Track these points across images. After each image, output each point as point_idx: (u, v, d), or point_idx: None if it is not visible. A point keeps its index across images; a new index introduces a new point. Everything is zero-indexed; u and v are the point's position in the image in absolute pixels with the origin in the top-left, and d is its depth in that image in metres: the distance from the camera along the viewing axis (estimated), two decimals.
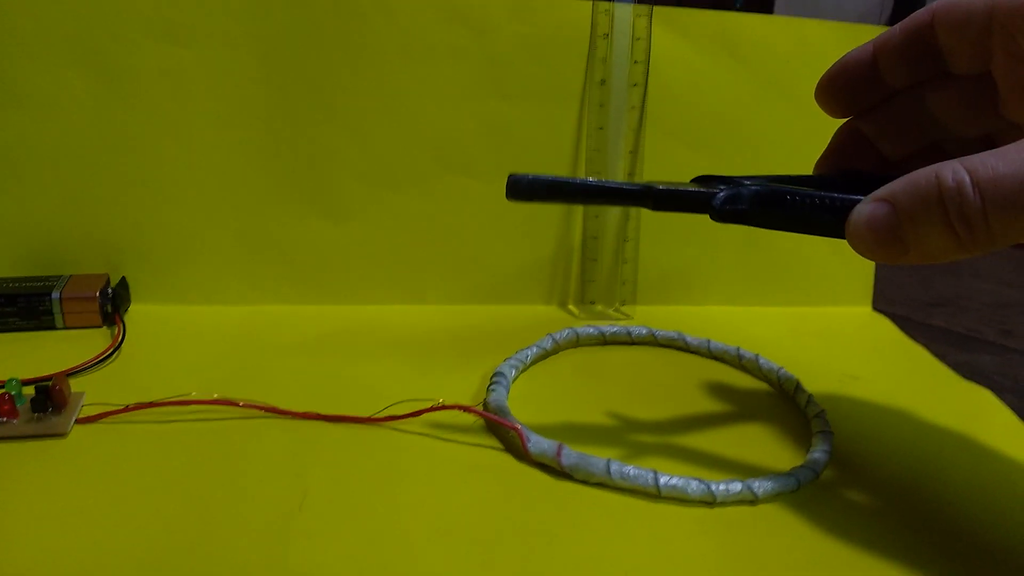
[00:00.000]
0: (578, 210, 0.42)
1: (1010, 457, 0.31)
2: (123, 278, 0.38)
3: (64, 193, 0.37)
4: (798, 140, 0.43)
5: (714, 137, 0.42)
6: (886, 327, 0.44)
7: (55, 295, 0.35)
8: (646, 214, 0.42)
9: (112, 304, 0.36)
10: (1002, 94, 0.25)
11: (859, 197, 0.22)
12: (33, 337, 0.35)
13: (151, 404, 0.29)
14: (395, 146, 0.40)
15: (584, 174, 0.41)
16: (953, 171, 0.19)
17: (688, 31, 0.41)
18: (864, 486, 0.28)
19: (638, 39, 0.40)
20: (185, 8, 0.37)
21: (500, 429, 0.30)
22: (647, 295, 0.44)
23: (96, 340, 0.35)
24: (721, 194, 0.23)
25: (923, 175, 0.20)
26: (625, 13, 0.40)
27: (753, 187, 0.24)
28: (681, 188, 0.24)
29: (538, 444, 0.28)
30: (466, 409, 0.30)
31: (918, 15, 0.26)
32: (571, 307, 0.43)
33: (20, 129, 0.37)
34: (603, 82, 0.40)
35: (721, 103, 0.42)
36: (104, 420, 0.29)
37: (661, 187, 0.24)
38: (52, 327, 0.36)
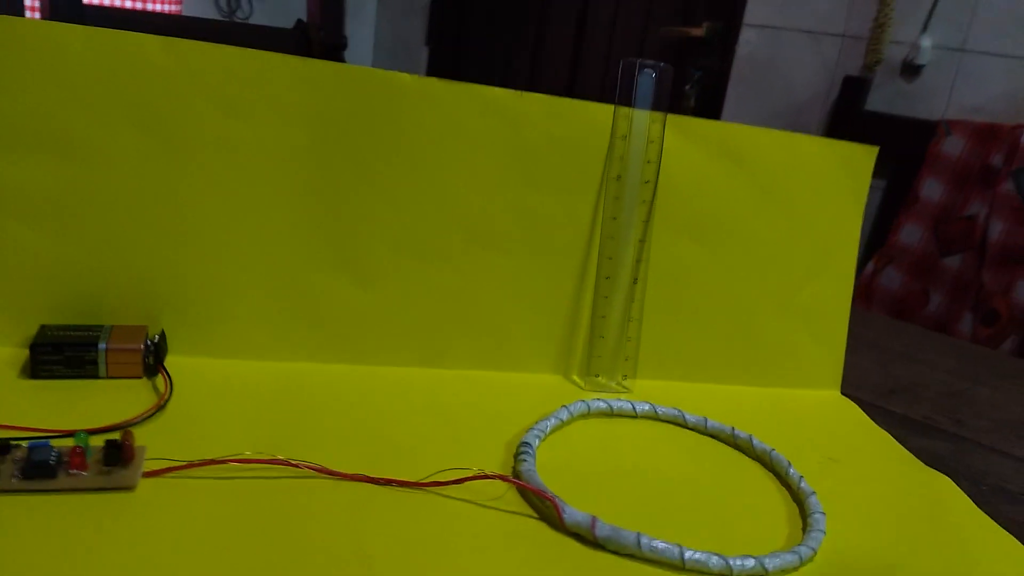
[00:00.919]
0: (589, 291, 0.45)
1: (969, 540, 0.35)
2: (162, 331, 0.39)
3: (108, 245, 0.39)
4: (786, 241, 0.48)
5: (714, 232, 0.47)
6: (854, 412, 0.49)
7: (102, 346, 0.37)
8: (649, 298, 0.46)
9: (154, 356, 0.38)
10: None
11: None
12: (77, 386, 0.37)
13: (212, 461, 0.31)
14: (426, 220, 0.43)
15: (598, 258, 0.45)
16: None
17: (696, 137, 0.46)
18: (854, 563, 0.32)
19: (651, 142, 0.44)
20: (244, 84, 0.39)
21: (534, 498, 0.33)
22: (643, 370, 0.47)
23: (138, 391, 0.37)
24: None
25: None
26: (642, 118, 0.44)
27: None
28: None
29: (573, 516, 0.31)
30: (506, 479, 0.33)
31: None
32: (575, 378, 0.46)
33: (73, 180, 0.38)
34: (619, 177, 0.44)
35: (720, 202, 0.47)
36: (168, 475, 0.31)
37: None
38: (95, 376, 0.37)
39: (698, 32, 2.10)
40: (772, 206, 0.48)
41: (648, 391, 0.46)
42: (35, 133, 0.37)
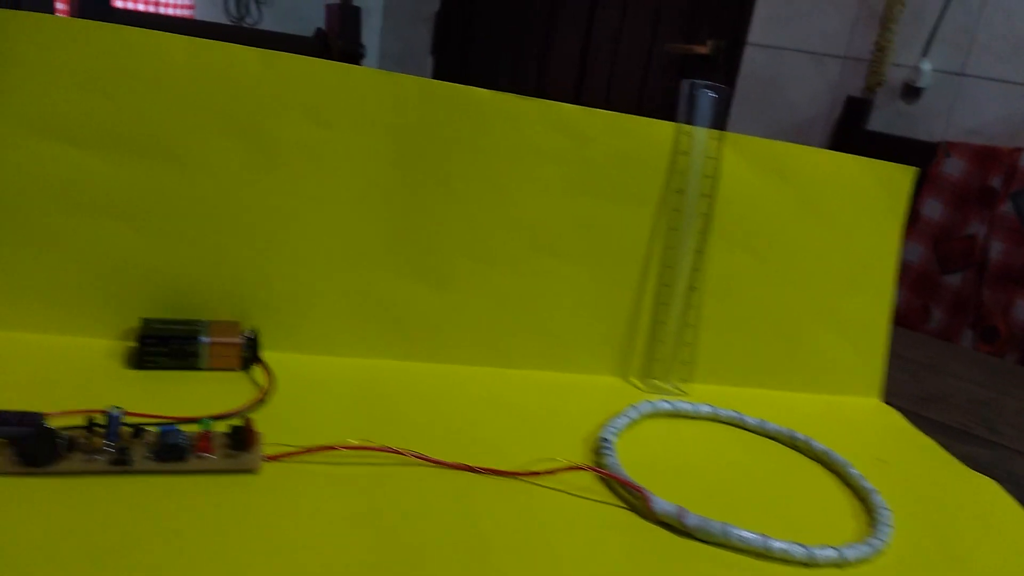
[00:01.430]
0: (648, 297, 0.48)
1: (1021, 541, 0.38)
2: (255, 328, 0.41)
3: (204, 245, 0.41)
4: (829, 254, 0.51)
5: (763, 244, 0.49)
6: (896, 418, 0.51)
7: (204, 339, 0.39)
8: (707, 305, 0.48)
9: (251, 350, 0.40)
10: None
11: None
12: (180, 376, 0.38)
13: (325, 447, 0.33)
14: (496, 228, 0.45)
15: (656, 268, 0.47)
16: None
17: (748, 154, 0.48)
18: (923, 557, 0.34)
19: (710, 158, 0.47)
20: (333, 96, 0.41)
21: (622, 489, 0.35)
22: (695, 374, 0.49)
23: (237, 382, 0.39)
24: None
25: None
26: (702, 135, 0.47)
27: None
28: None
29: (662, 505, 0.33)
30: (598, 471, 0.35)
31: None
32: (633, 379, 0.48)
33: (172, 183, 0.40)
34: (680, 191, 0.47)
35: (769, 216, 0.49)
36: (285, 459, 0.32)
37: None
38: (196, 368, 0.39)
39: (703, 49, 2.14)
40: (816, 221, 0.50)
41: (701, 394, 0.48)
42: (139, 138, 0.39)
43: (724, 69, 2.14)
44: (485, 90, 0.44)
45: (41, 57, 0.38)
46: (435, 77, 2.80)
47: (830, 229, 0.51)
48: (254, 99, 0.41)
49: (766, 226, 0.49)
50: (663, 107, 2.30)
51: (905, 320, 1.82)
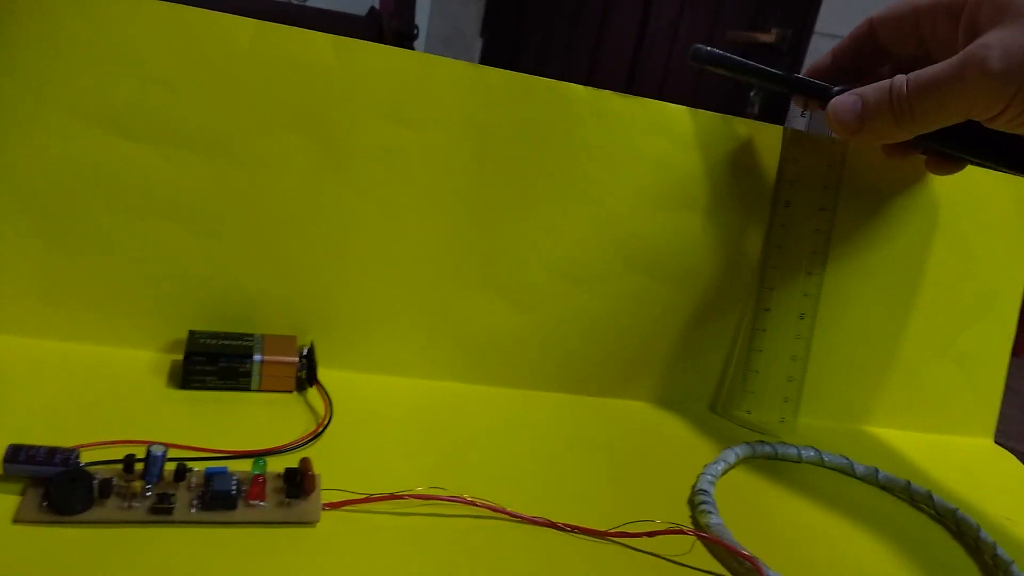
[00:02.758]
0: (745, 321, 0.43)
1: None
2: (312, 343, 0.37)
3: (262, 251, 0.37)
4: (952, 280, 0.45)
5: (882, 266, 0.44)
6: (1013, 464, 0.45)
7: (257, 358, 0.35)
8: (817, 336, 0.43)
9: (307, 370, 0.36)
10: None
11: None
12: (229, 399, 0.34)
13: (391, 496, 0.29)
14: (584, 243, 0.40)
15: (759, 288, 0.42)
16: (899, 77, 0.32)
17: (869, 164, 0.43)
18: None
19: (831, 167, 0.42)
20: (414, 92, 0.37)
21: (726, 555, 0.30)
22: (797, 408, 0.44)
23: (291, 406, 0.35)
24: (836, 89, 0.35)
25: (882, 82, 0.32)
26: (821, 141, 0.41)
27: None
28: (812, 81, 0.37)
29: None
30: (702, 536, 0.30)
31: (858, 27, 0.38)
32: (720, 410, 0.44)
33: (230, 182, 0.36)
34: (787, 204, 0.42)
35: (891, 236, 0.44)
36: (346, 508, 0.28)
37: (798, 76, 0.37)
38: (247, 389, 0.35)
39: (767, 38, 2.06)
40: (941, 243, 0.45)
41: (801, 430, 0.43)
42: (196, 131, 0.35)
43: (788, 59, 2.05)
44: (580, 86, 0.39)
45: (92, 38, 0.34)
46: (483, 60, 2.75)
47: (955, 251, 0.45)
48: (326, 92, 0.36)
49: (885, 246, 0.44)
50: (719, 99, 2.22)
51: None
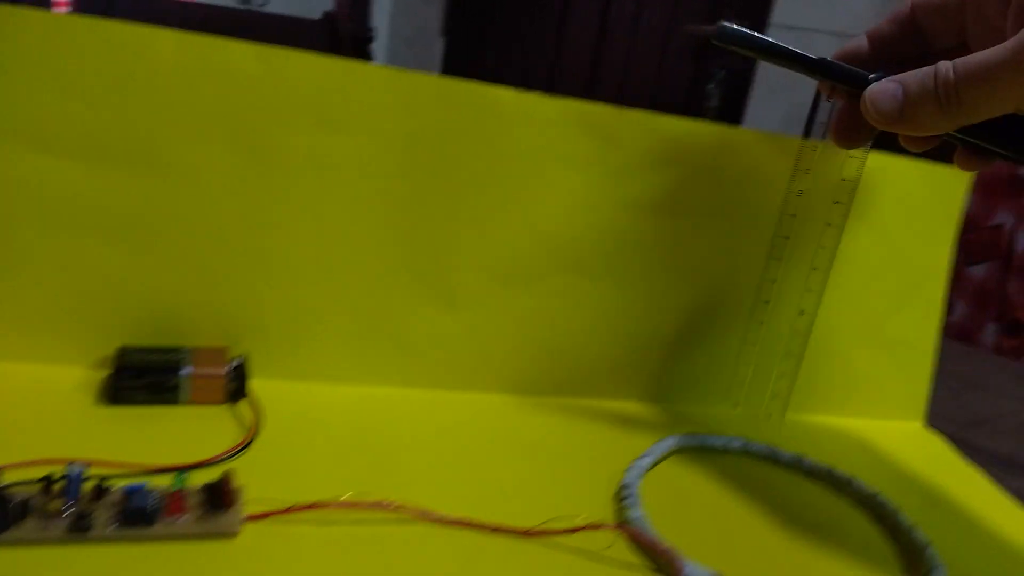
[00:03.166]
0: (684, 319, 0.44)
1: None
2: (244, 354, 0.37)
3: (190, 262, 0.37)
4: (877, 268, 0.46)
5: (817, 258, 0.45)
6: (941, 447, 0.47)
7: (186, 371, 0.35)
8: (752, 328, 0.44)
9: (237, 381, 0.36)
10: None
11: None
12: (157, 413, 0.35)
13: (315, 505, 0.29)
14: (515, 244, 0.41)
15: (700, 285, 0.43)
16: (944, 63, 0.28)
17: (783, 158, 0.44)
18: None
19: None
20: (340, 98, 0.37)
21: (647, 548, 0.31)
22: (721, 400, 0.45)
23: (220, 419, 0.35)
24: (875, 75, 0.32)
25: (925, 68, 0.29)
26: (756, 139, 0.42)
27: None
28: (847, 67, 0.33)
29: (695, 572, 0.29)
30: (623, 531, 0.31)
31: (899, 9, 0.35)
32: (648, 404, 0.44)
33: (155, 194, 0.36)
34: (733, 202, 0.43)
35: (821, 227, 0.45)
36: (268, 520, 0.29)
37: (831, 60, 0.33)
38: (176, 402, 0.35)
39: None
40: (865, 232, 0.46)
41: (739, 421, 0.44)
42: (120, 144, 0.35)
43: None
44: (508, 89, 0.40)
45: (9, 54, 0.34)
46: (445, 59, 2.75)
47: (879, 239, 0.46)
48: (251, 101, 0.37)
49: (816, 237, 0.45)
50: (680, 92, 2.24)
51: None
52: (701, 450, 0.40)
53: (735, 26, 0.33)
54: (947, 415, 0.53)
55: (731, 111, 2.09)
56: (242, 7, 2.39)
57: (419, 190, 0.39)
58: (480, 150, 0.39)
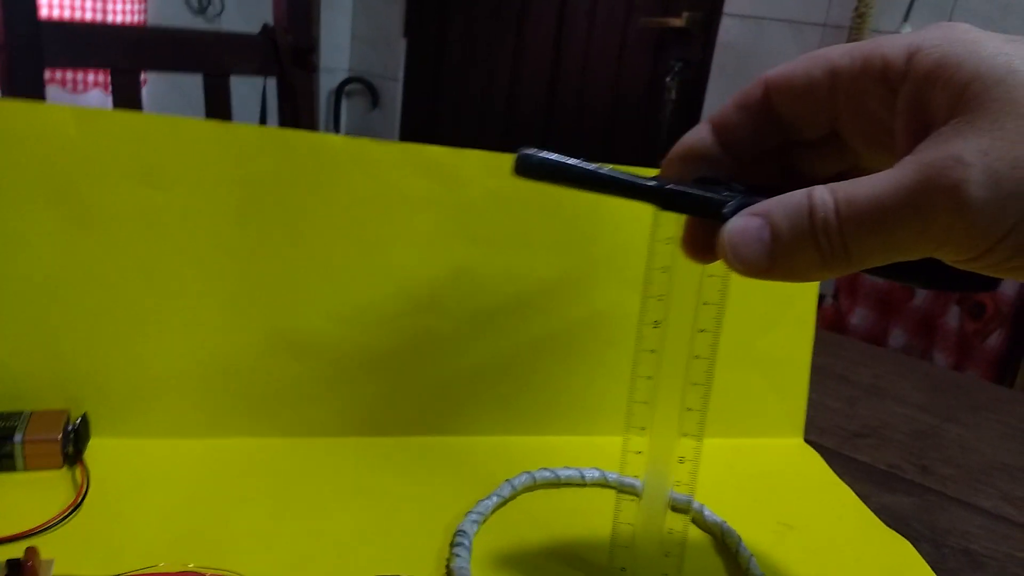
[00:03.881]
0: (540, 351, 0.44)
1: None
2: (84, 415, 0.37)
3: (23, 326, 0.37)
4: (742, 289, 0.46)
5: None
6: (816, 463, 0.47)
7: (17, 438, 0.35)
8: (599, 352, 0.44)
9: (74, 444, 0.36)
10: (853, 148, 0.26)
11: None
12: None
13: None
14: (364, 287, 0.41)
15: (555, 317, 0.43)
16: (820, 194, 0.22)
17: None
18: None
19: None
20: (165, 153, 0.37)
21: None
22: (594, 427, 0.46)
23: (57, 484, 0.35)
24: (730, 205, 0.25)
25: (796, 196, 0.22)
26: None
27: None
28: (693, 192, 0.25)
29: None
30: None
31: (749, 91, 0.27)
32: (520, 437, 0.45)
33: None
34: (579, 232, 0.43)
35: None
36: None
37: (672, 187, 0.25)
38: (12, 469, 0.35)
39: (678, 22, 2.07)
40: None
41: (603, 449, 0.44)
42: None
43: (700, 41, 2.07)
44: (337, 136, 0.40)
45: None
46: (408, 60, 2.74)
47: None
48: (71, 163, 0.37)
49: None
50: (640, 84, 2.24)
51: (889, 299, 1.77)
52: (556, 484, 0.41)
53: (538, 155, 0.25)
54: (836, 426, 0.53)
55: (690, 103, 2.08)
56: (196, 17, 2.38)
57: (258, 240, 0.39)
58: (318, 197, 0.40)
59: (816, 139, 0.27)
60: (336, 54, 2.86)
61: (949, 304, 1.71)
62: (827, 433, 0.52)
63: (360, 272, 0.41)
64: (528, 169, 0.25)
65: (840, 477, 0.46)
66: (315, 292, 0.40)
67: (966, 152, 0.20)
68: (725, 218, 0.24)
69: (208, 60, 1.30)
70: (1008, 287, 1.60)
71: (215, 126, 0.38)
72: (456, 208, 0.42)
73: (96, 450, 0.37)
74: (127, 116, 0.37)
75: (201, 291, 0.39)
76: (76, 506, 0.33)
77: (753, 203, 0.24)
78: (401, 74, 2.78)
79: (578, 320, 0.44)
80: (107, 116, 0.37)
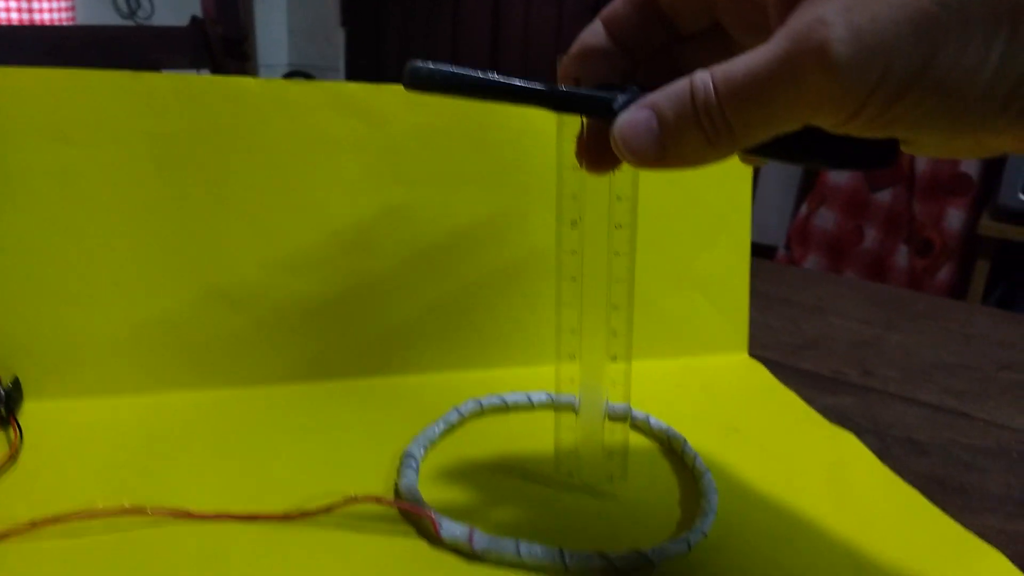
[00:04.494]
0: (478, 285, 0.44)
1: (872, 497, 0.35)
2: (16, 378, 0.37)
3: None
4: (677, 213, 0.47)
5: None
6: (761, 374, 0.48)
7: None
8: (542, 282, 0.44)
9: (6, 407, 0.35)
10: (735, 38, 0.27)
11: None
12: None
13: (56, 519, 0.29)
14: (295, 232, 0.41)
15: (493, 251, 0.43)
16: (700, 76, 0.22)
17: None
18: (747, 540, 0.31)
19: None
20: (76, 107, 0.37)
21: (413, 515, 0.31)
22: (543, 356, 0.46)
23: None
24: (620, 100, 0.25)
25: (678, 83, 0.23)
26: None
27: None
28: (583, 92, 0.26)
29: (450, 530, 0.30)
30: (379, 501, 0.31)
31: None
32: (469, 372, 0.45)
33: None
34: (514, 166, 0.43)
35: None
36: (8, 539, 0.28)
37: (564, 89, 0.26)
38: None
39: None
40: (660, 176, 0.46)
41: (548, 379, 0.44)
42: None
43: None
44: (253, 79, 0.39)
45: None
46: (347, 49, 2.71)
47: (674, 186, 0.47)
48: None
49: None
50: None
51: (839, 243, 1.81)
52: (505, 410, 0.41)
53: (428, 66, 0.24)
54: (779, 343, 0.54)
55: None
56: (125, 20, 2.32)
57: (181, 192, 0.39)
58: (237, 143, 0.39)
59: (699, 31, 0.28)
60: (274, 49, 2.82)
61: (898, 244, 1.75)
62: (771, 348, 0.53)
63: (289, 218, 0.40)
64: (419, 81, 0.24)
65: (785, 385, 0.46)
66: (245, 241, 0.40)
67: (828, 13, 0.20)
68: (616, 114, 0.24)
69: (137, 55, 1.27)
70: (952, 221, 1.64)
71: (124, 77, 0.37)
72: (382, 148, 0.41)
73: (31, 412, 0.37)
74: (33, 72, 0.36)
75: (127, 247, 0.38)
76: (10, 458, 0.33)
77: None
78: (342, 64, 2.75)
79: (512, 253, 0.44)
80: (12, 73, 0.36)
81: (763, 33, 0.24)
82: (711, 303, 0.49)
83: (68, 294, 0.38)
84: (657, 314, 0.48)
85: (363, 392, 0.42)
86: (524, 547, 0.29)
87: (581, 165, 0.28)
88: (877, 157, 0.25)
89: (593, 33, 0.28)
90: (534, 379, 0.44)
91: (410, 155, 0.42)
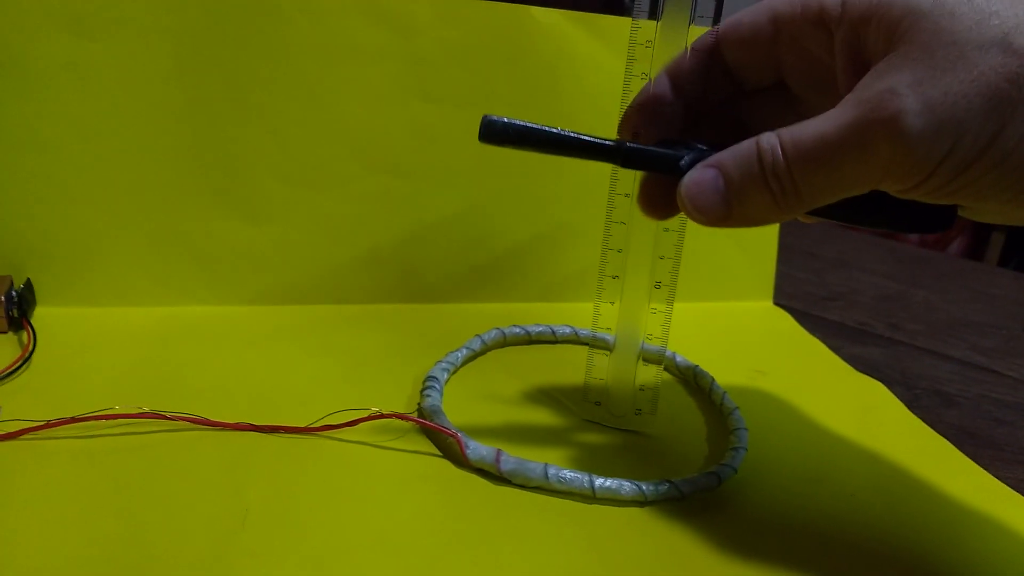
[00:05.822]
0: (502, 215, 0.43)
1: (902, 445, 0.34)
2: (28, 280, 0.36)
3: None
4: None
5: None
6: (786, 321, 0.47)
7: None
8: (569, 219, 0.43)
9: (18, 308, 0.34)
10: (800, 96, 0.27)
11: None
12: None
13: (73, 419, 0.28)
14: (317, 146, 0.39)
15: (523, 180, 0.42)
16: (767, 138, 0.23)
17: (611, 38, 0.42)
18: (777, 478, 0.30)
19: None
20: (93, 1, 0.35)
21: (437, 435, 0.30)
22: (568, 294, 0.45)
23: (2, 347, 0.33)
24: (687, 158, 0.25)
25: (745, 144, 0.23)
26: (554, 17, 0.41)
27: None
28: (651, 149, 0.26)
29: (477, 451, 0.29)
30: (403, 417, 0.30)
31: (703, 39, 0.28)
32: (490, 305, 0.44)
33: None
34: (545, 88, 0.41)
35: None
36: (24, 437, 0.27)
37: (631, 145, 0.26)
38: None
39: None
40: None
41: (575, 313, 0.43)
42: None
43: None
44: None
45: None
46: None
47: None
48: None
49: None
50: None
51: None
52: (528, 341, 0.40)
53: (503, 120, 0.25)
54: (805, 292, 0.53)
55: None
56: None
57: (201, 96, 0.37)
58: (259, 48, 0.37)
59: (764, 88, 0.28)
60: None
61: None
62: (796, 298, 0.51)
63: (311, 131, 0.39)
64: (493, 134, 0.25)
65: (811, 334, 0.45)
66: (264, 153, 0.39)
67: (900, 84, 0.21)
68: (682, 172, 0.25)
69: None
70: None
71: None
72: (411, 61, 0.40)
73: (43, 317, 0.36)
74: None
75: (143, 151, 0.37)
76: (24, 359, 0.32)
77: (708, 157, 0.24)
78: None
79: (546, 183, 0.43)
80: None
81: (827, 92, 0.25)
82: (740, 249, 0.48)
83: (80, 197, 0.36)
84: (691, 260, 0.47)
85: (384, 316, 0.41)
86: (552, 470, 0.28)
87: (643, 212, 0.28)
88: (937, 221, 0.25)
89: (658, 85, 0.28)
90: (560, 314, 0.43)
91: (439, 71, 0.40)
